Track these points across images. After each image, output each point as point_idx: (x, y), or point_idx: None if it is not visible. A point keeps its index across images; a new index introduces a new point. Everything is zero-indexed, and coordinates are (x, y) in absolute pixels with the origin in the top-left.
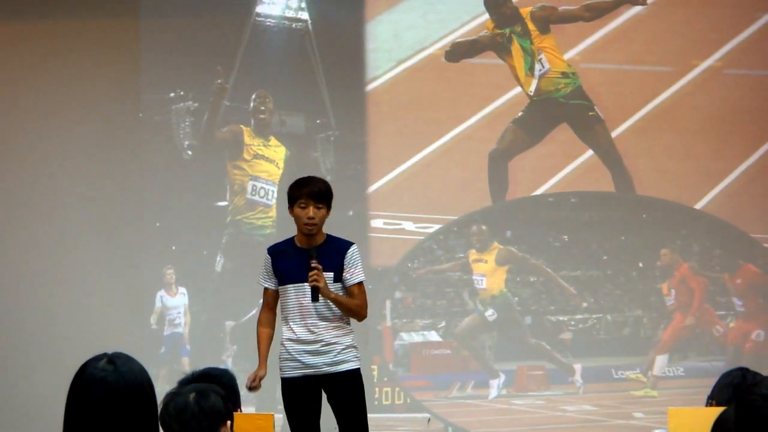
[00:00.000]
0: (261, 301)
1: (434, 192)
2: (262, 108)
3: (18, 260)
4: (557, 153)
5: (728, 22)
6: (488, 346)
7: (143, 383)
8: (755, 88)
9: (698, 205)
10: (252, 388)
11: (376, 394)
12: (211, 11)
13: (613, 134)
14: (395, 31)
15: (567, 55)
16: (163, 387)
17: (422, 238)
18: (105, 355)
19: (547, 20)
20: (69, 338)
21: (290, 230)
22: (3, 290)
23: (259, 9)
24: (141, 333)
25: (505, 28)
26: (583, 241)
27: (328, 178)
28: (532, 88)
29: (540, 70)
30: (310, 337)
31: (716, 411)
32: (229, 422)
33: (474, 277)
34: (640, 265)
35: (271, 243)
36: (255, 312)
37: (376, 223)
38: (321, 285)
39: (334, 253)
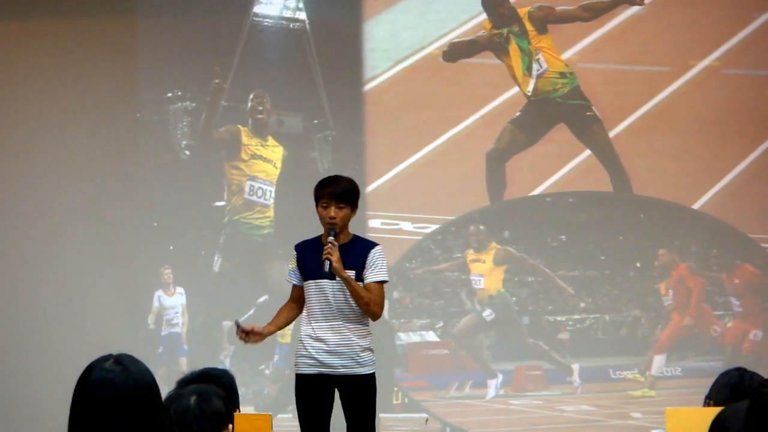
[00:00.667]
0: (260, 300)
1: (432, 192)
2: (260, 108)
3: (15, 260)
4: (555, 153)
5: (726, 22)
6: (486, 346)
7: (150, 383)
8: (753, 88)
9: (696, 205)
10: (246, 333)
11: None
12: (208, 11)
13: (611, 134)
14: (393, 31)
15: (564, 55)
16: (161, 387)
17: (420, 238)
18: (111, 356)
19: (544, 20)
20: (66, 338)
21: (289, 230)
22: None
23: (257, 9)
24: (138, 333)
25: (503, 28)
26: (581, 241)
27: None
28: (530, 88)
29: (537, 70)
30: (330, 336)
31: (714, 411)
32: (230, 425)
33: (472, 277)
34: (638, 265)
35: (269, 243)
36: (253, 312)
37: (374, 223)
38: (334, 260)
39: (357, 252)
